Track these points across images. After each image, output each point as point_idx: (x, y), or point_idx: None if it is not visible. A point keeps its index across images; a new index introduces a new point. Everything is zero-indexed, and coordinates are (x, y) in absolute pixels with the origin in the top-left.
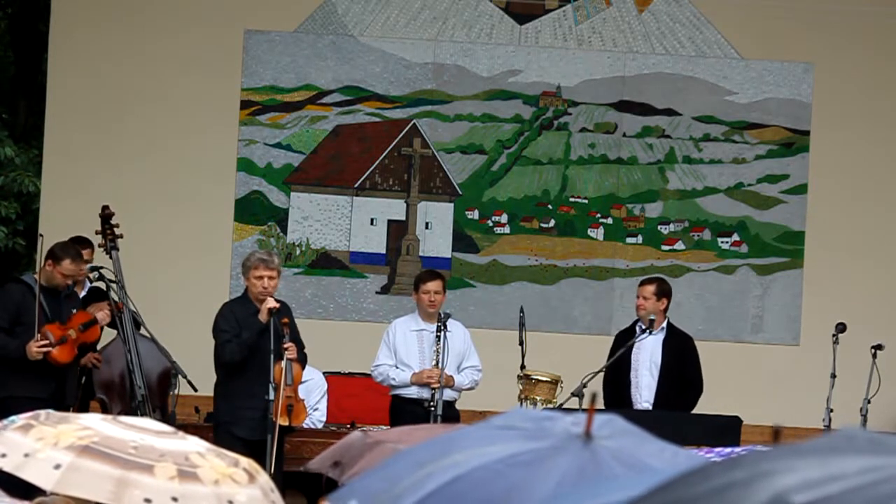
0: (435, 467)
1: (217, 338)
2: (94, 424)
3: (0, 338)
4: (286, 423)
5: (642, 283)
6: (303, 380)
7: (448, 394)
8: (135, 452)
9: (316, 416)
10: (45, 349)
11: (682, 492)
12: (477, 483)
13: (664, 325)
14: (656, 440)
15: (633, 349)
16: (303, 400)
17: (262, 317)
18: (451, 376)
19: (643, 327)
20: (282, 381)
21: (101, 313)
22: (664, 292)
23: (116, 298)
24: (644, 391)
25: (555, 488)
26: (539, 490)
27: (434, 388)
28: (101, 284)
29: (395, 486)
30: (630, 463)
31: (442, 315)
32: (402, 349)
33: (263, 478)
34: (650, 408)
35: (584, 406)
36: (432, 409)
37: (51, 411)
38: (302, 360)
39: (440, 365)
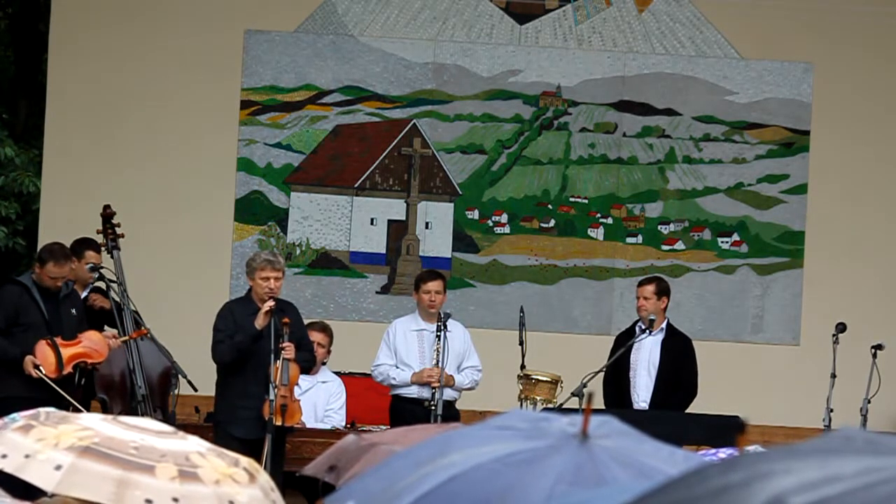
0: (432, 467)
1: (213, 336)
2: (94, 425)
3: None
4: (279, 423)
5: (641, 284)
6: (322, 381)
7: (448, 394)
8: (136, 453)
9: (336, 420)
10: (38, 373)
11: (680, 494)
12: (474, 483)
13: (664, 325)
14: (653, 440)
15: (633, 349)
16: (298, 400)
17: (259, 322)
18: (452, 376)
19: (643, 327)
20: (277, 381)
21: (114, 341)
22: (664, 291)
23: (117, 298)
24: (641, 391)
25: (551, 488)
26: (536, 489)
27: (434, 388)
28: (102, 284)
29: (393, 486)
30: (627, 462)
31: (442, 315)
32: (402, 349)
33: (264, 477)
34: (647, 408)
35: (583, 406)
36: (432, 408)
37: (51, 410)
38: (305, 360)
39: (440, 364)
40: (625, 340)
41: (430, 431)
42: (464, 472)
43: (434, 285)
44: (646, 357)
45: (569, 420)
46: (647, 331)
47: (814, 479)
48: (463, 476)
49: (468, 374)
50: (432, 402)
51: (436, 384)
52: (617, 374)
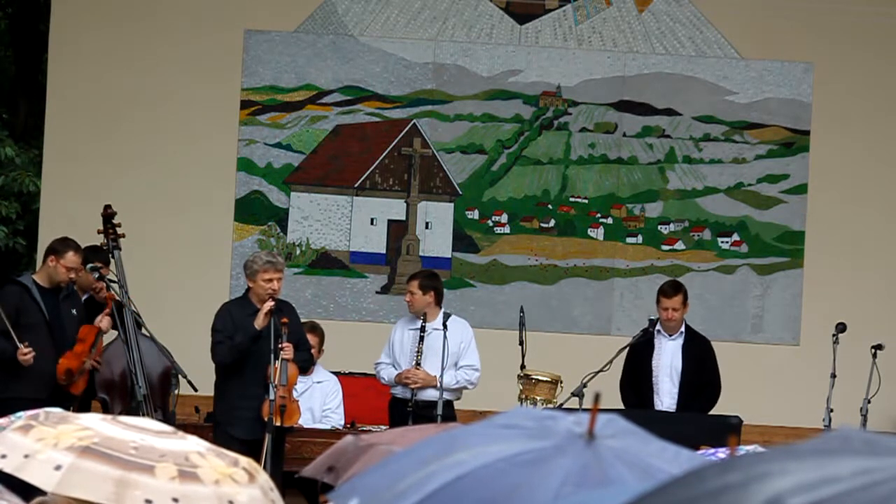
0: (438, 465)
1: (211, 337)
2: (93, 425)
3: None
4: (278, 424)
5: (667, 294)
6: (318, 381)
7: (446, 394)
8: (135, 453)
9: (335, 419)
10: (30, 355)
11: (677, 495)
12: (480, 482)
13: (682, 329)
14: (658, 440)
15: (654, 355)
16: (297, 401)
17: (259, 323)
18: (434, 376)
19: (650, 328)
20: (276, 381)
21: (105, 321)
22: (687, 297)
23: (117, 297)
24: (665, 397)
25: (558, 488)
26: (543, 489)
27: (413, 389)
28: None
29: (398, 484)
30: (633, 463)
31: (441, 315)
32: (397, 347)
33: (263, 477)
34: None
35: (584, 406)
36: (410, 409)
37: (50, 410)
38: (304, 361)
39: (420, 365)
40: (642, 348)
41: (429, 431)
42: (470, 470)
43: (409, 285)
44: (667, 363)
45: (574, 419)
46: (649, 331)
47: (811, 479)
48: (469, 475)
49: (461, 374)
50: (410, 403)
51: (413, 385)
52: (637, 381)
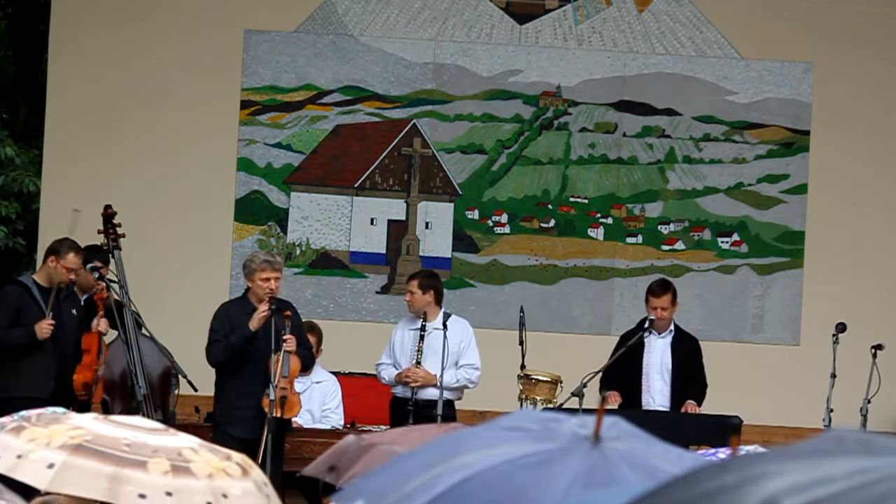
0: (443, 468)
1: (208, 337)
2: (85, 424)
3: (1, 332)
4: (279, 415)
5: (656, 294)
6: (317, 381)
7: (446, 393)
8: (128, 449)
9: (335, 419)
10: (52, 325)
11: (673, 496)
12: (487, 484)
13: (671, 327)
14: (661, 442)
15: (644, 354)
16: (298, 393)
17: (253, 325)
18: (434, 375)
19: (647, 327)
20: (277, 373)
21: (102, 323)
22: (676, 295)
23: (117, 297)
24: (657, 395)
25: (566, 490)
26: (550, 491)
27: (413, 387)
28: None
29: (403, 487)
30: (638, 465)
31: (442, 315)
32: (398, 347)
33: (256, 472)
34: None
35: (584, 406)
36: (410, 408)
37: (42, 411)
38: (305, 357)
39: (421, 364)
40: (633, 347)
41: (431, 432)
42: (476, 473)
43: (409, 285)
44: (657, 360)
45: (578, 421)
46: (648, 330)
47: (806, 480)
48: (476, 477)
49: (461, 373)
50: (410, 402)
51: (413, 384)
52: (627, 379)
